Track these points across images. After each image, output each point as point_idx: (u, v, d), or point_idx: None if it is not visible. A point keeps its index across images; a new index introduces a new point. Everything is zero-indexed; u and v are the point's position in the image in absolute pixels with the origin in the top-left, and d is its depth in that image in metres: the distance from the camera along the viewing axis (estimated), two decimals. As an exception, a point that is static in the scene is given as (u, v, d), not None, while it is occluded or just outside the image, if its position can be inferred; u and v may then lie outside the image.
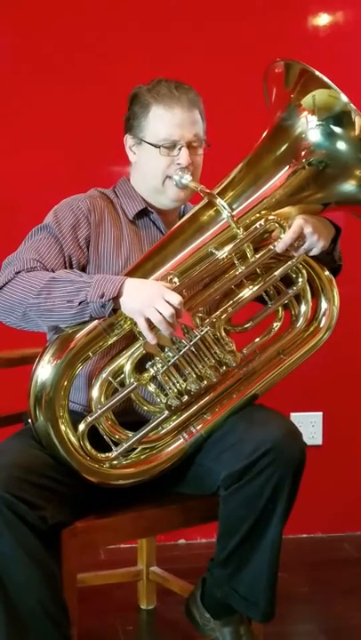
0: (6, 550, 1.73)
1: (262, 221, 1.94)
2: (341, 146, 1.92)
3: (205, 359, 1.91)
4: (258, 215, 1.95)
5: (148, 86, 2.03)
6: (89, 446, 1.88)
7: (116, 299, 1.80)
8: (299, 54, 1.99)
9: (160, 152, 1.99)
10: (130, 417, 1.96)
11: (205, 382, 1.91)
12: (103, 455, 1.90)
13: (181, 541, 3.01)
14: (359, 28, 2.98)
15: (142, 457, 1.94)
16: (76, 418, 1.88)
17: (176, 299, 1.80)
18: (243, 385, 2.00)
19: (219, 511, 1.92)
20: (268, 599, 1.93)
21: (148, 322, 1.80)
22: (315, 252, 1.99)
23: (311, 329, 2.07)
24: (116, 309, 1.82)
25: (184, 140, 1.99)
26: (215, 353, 1.92)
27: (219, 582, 1.97)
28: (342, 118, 1.90)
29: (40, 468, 1.82)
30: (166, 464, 1.94)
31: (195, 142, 2.01)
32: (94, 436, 1.90)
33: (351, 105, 1.87)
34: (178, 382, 1.90)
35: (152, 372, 1.90)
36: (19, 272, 1.87)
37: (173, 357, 1.89)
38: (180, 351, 1.88)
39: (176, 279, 1.88)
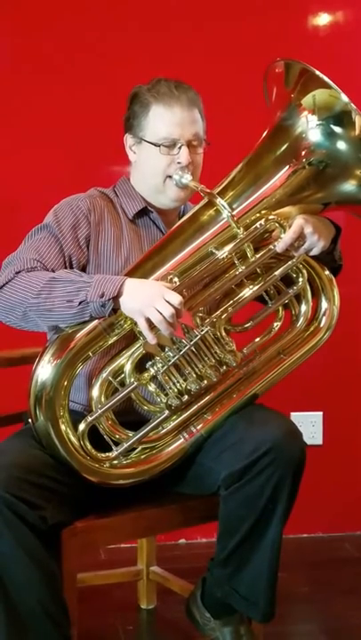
0: (6, 550, 1.73)
1: (262, 221, 1.94)
2: (342, 145, 1.92)
3: (206, 359, 1.91)
4: (258, 215, 1.95)
5: (147, 86, 2.03)
6: (89, 446, 1.88)
7: (116, 298, 1.80)
8: (299, 54, 1.99)
9: (160, 151, 1.99)
10: (130, 417, 1.96)
11: (206, 382, 1.91)
12: (103, 455, 1.90)
13: (182, 541, 3.01)
14: (359, 28, 2.98)
15: (142, 457, 1.93)
16: (76, 417, 1.88)
17: (176, 298, 1.80)
18: (243, 385, 2.00)
19: (219, 511, 1.92)
20: (268, 599, 1.93)
21: (149, 322, 1.80)
22: (315, 251, 1.99)
23: (311, 329, 2.07)
24: (116, 309, 1.82)
25: (184, 138, 1.99)
26: (215, 353, 1.92)
27: (219, 582, 1.97)
28: (343, 118, 1.90)
29: (40, 468, 1.81)
30: (166, 464, 1.94)
31: (195, 141, 2.01)
32: (94, 435, 1.89)
33: (352, 105, 1.87)
34: (178, 382, 1.90)
35: (152, 371, 1.90)
36: (19, 272, 1.87)
37: (174, 357, 1.88)
38: (181, 351, 1.88)
39: (176, 279, 1.88)
